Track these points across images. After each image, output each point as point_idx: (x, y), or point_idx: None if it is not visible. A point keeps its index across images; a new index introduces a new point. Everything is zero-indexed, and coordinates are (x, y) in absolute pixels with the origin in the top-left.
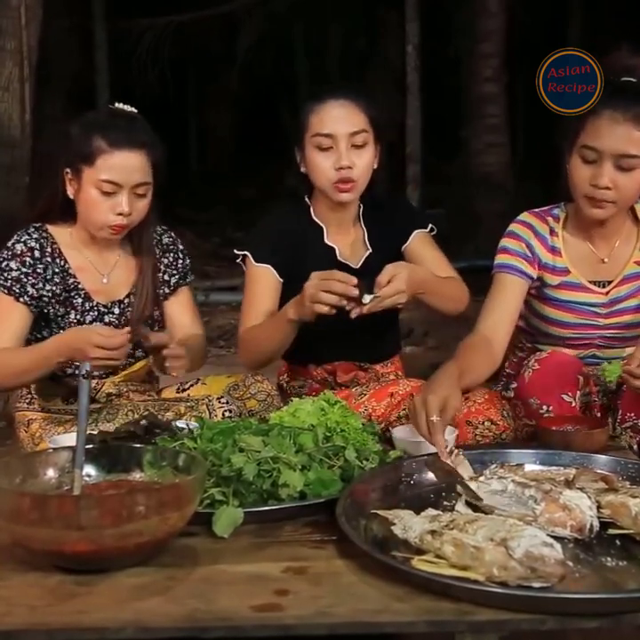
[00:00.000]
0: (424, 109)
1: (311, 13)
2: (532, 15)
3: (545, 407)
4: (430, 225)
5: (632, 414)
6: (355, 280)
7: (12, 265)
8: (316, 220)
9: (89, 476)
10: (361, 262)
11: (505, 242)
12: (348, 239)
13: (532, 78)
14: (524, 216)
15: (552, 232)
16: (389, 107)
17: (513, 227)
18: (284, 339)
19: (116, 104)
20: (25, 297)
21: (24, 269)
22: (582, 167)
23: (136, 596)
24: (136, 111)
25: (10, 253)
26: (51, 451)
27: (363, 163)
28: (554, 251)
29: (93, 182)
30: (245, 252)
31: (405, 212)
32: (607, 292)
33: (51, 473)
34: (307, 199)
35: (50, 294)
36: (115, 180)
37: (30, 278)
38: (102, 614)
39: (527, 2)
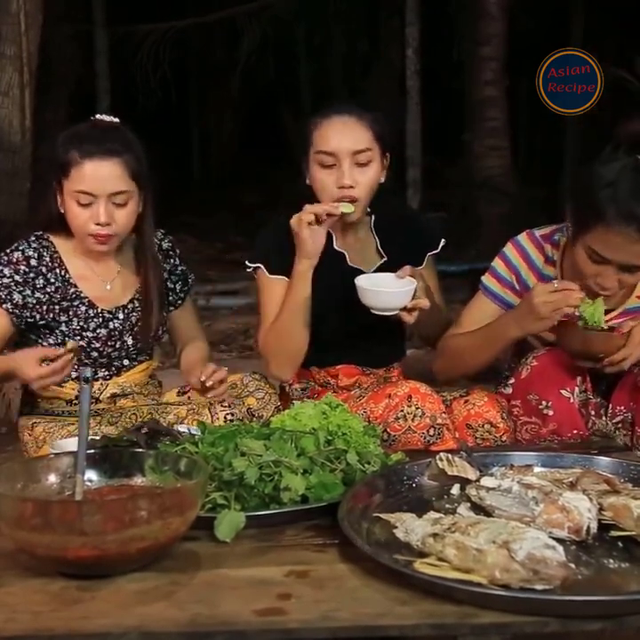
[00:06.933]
0: (425, 113)
1: (313, 18)
2: (533, 19)
3: (544, 402)
4: (442, 240)
5: (622, 408)
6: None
7: (5, 271)
8: None
9: (91, 481)
10: (374, 269)
11: (497, 264)
12: (357, 245)
13: (532, 82)
14: (522, 238)
15: (548, 261)
16: (394, 116)
17: (508, 249)
18: None
19: (98, 115)
20: (8, 304)
21: (16, 277)
22: (589, 264)
23: (139, 601)
24: (117, 120)
25: (6, 259)
26: (52, 456)
27: (366, 180)
28: (549, 280)
29: (70, 194)
30: (258, 265)
31: (420, 230)
32: (606, 321)
33: (52, 478)
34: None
35: (34, 302)
36: (88, 191)
37: (19, 286)
38: (106, 620)
39: (528, 6)
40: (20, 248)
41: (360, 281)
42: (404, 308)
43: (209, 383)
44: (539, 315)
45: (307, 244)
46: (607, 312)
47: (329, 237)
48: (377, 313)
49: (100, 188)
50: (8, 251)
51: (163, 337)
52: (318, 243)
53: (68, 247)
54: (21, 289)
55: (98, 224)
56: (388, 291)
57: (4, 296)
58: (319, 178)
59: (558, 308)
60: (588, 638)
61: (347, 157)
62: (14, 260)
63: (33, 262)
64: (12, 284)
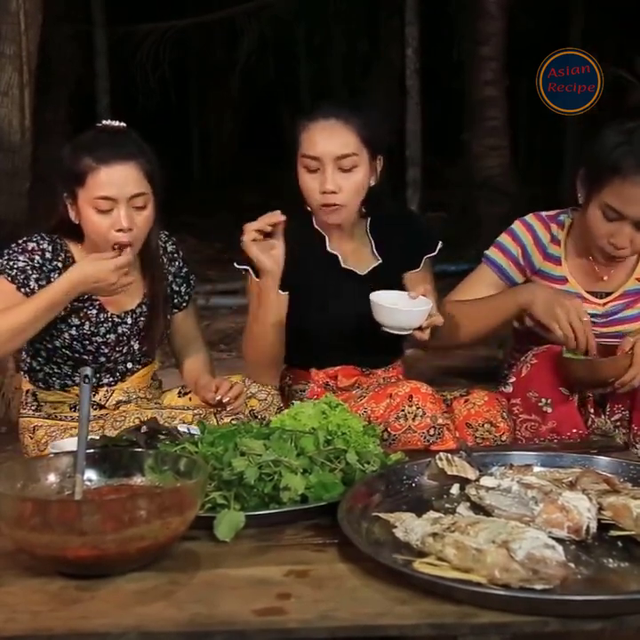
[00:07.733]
0: (425, 113)
1: (313, 18)
2: (533, 19)
3: (543, 400)
4: (439, 243)
5: (620, 406)
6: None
7: (21, 257)
8: (318, 228)
9: (90, 480)
10: (368, 270)
11: (503, 238)
12: (351, 247)
13: (532, 81)
14: (530, 217)
15: (553, 240)
16: (394, 115)
17: (516, 225)
18: None
19: (103, 121)
20: (26, 289)
21: (31, 264)
22: (603, 223)
23: (138, 601)
24: (124, 125)
25: (20, 248)
26: (52, 456)
27: (350, 185)
28: (553, 259)
29: (89, 202)
30: (245, 268)
31: (416, 232)
32: (605, 304)
33: (52, 478)
34: (308, 208)
35: None
36: (108, 196)
37: (35, 272)
38: (105, 619)
39: (528, 5)
40: (34, 240)
41: (376, 297)
42: (418, 327)
43: (226, 400)
44: (550, 310)
45: (261, 262)
46: (607, 294)
47: (322, 240)
48: (390, 331)
49: (119, 191)
50: (20, 241)
51: (166, 340)
52: (276, 256)
53: (78, 249)
54: (37, 276)
55: (119, 230)
56: (405, 310)
57: (21, 280)
58: (304, 181)
59: (567, 328)
60: (588, 638)
61: (330, 163)
62: (29, 248)
63: (48, 255)
64: (28, 268)
